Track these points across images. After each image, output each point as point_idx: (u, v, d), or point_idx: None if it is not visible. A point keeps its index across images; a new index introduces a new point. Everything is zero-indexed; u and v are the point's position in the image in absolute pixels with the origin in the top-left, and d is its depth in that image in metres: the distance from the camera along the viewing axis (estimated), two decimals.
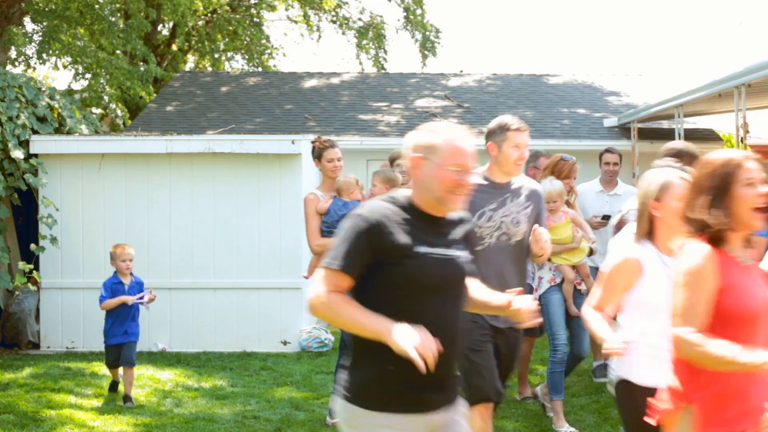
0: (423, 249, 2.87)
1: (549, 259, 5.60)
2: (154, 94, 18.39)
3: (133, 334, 6.66)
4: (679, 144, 5.60)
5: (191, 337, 8.86)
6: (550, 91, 14.71)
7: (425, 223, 2.94)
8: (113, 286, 6.61)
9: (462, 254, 2.98)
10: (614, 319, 3.54)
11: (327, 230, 5.78)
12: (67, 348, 8.85)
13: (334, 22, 21.35)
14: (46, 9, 17.48)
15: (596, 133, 12.46)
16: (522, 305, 3.08)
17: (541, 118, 13.22)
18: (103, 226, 8.91)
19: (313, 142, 6.17)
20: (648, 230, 3.46)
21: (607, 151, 7.68)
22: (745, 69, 7.88)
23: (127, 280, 6.67)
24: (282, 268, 8.87)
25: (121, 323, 6.59)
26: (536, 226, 4.32)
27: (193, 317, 8.88)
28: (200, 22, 21.51)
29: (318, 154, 6.10)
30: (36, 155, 8.79)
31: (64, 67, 19.51)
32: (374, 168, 12.35)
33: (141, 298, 6.65)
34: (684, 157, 5.66)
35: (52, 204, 8.62)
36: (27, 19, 17.97)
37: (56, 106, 9.51)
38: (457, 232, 3.02)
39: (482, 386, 4.32)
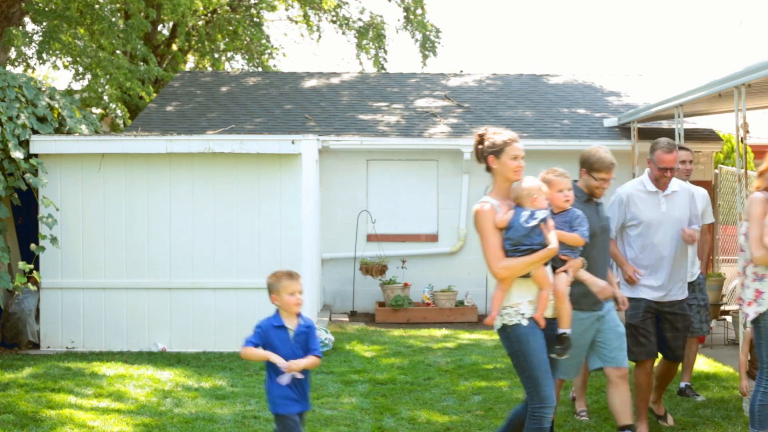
0: None
1: None
2: (154, 94, 18.39)
3: (308, 397, 4.62)
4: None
5: (191, 337, 8.86)
6: (550, 91, 14.71)
7: None
8: (272, 331, 4.57)
9: None
10: None
11: (512, 249, 4.53)
12: (67, 348, 8.86)
13: (334, 22, 21.35)
14: (46, 9, 17.47)
15: (596, 133, 12.46)
16: None
17: (541, 118, 13.22)
18: (103, 226, 8.92)
19: (481, 135, 4.75)
20: None
21: (681, 148, 6.66)
22: (745, 69, 7.87)
23: (293, 323, 4.57)
24: (282, 268, 8.83)
25: (298, 382, 4.52)
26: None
27: (193, 317, 8.88)
28: (200, 22, 21.50)
29: (496, 151, 4.65)
30: (36, 155, 8.80)
31: (65, 67, 19.51)
32: (374, 168, 12.43)
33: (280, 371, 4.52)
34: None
35: (52, 204, 8.62)
36: (27, 19, 17.97)
37: (56, 106, 9.51)
38: None
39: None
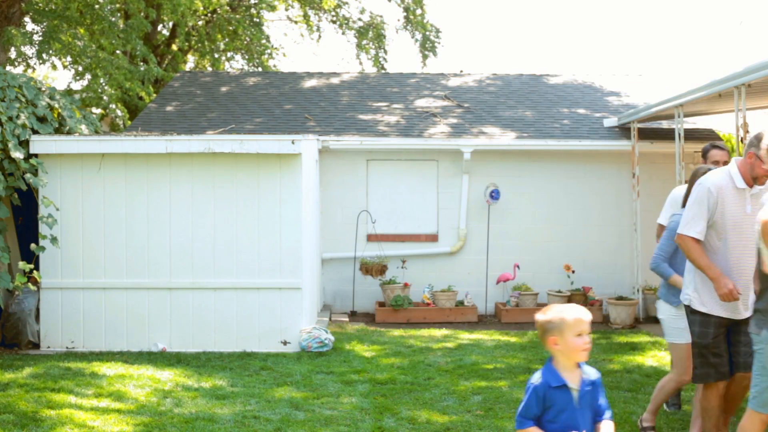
0: None
1: None
2: (154, 94, 18.39)
3: None
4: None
5: (191, 337, 8.87)
6: (550, 91, 14.71)
7: None
8: (551, 394, 3.44)
9: None
10: None
11: None
12: (67, 348, 8.86)
13: (334, 22, 21.38)
14: (46, 9, 17.49)
15: (596, 133, 12.46)
16: None
17: (541, 118, 13.23)
18: (103, 226, 8.92)
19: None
20: None
21: (714, 146, 6.26)
22: (745, 69, 7.88)
23: (574, 378, 3.48)
24: (282, 268, 8.89)
25: None
26: None
27: (193, 317, 8.89)
28: (200, 22, 21.51)
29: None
30: (36, 155, 8.80)
31: (64, 67, 19.52)
32: (374, 168, 12.43)
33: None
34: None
35: (53, 204, 8.62)
36: (27, 19, 17.98)
37: (56, 106, 9.52)
38: None
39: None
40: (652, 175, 12.10)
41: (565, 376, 3.44)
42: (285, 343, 8.86)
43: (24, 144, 8.73)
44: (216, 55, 22.35)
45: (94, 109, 18.41)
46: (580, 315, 3.45)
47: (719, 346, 5.03)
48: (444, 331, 10.43)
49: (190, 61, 23.51)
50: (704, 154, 6.24)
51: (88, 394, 6.81)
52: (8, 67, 16.65)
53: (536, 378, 3.45)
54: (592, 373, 3.52)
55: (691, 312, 5.15)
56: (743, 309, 5.00)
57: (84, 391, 6.89)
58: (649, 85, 15.17)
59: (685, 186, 5.65)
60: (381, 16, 21.07)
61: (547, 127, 12.79)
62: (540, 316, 3.52)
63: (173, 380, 7.33)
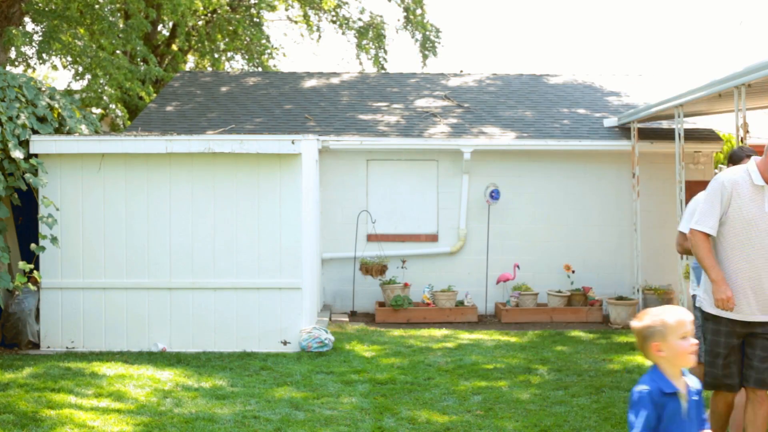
0: None
1: None
2: (154, 94, 18.39)
3: None
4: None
5: (191, 337, 8.87)
6: (550, 91, 14.71)
7: None
8: (660, 400, 3.10)
9: None
10: None
11: None
12: (67, 348, 8.86)
13: (334, 22, 21.37)
14: (46, 9, 17.49)
15: (596, 133, 12.46)
16: None
17: (541, 118, 13.22)
18: (103, 226, 8.92)
19: None
20: None
21: (749, 156, 5.71)
22: (745, 69, 7.88)
23: (681, 384, 3.16)
24: (282, 268, 8.89)
25: None
26: None
27: (193, 317, 8.89)
28: (200, 22, 21.52)
29: None
30: (36, 155, 8.80)
31: (64, 67, 19.51)
32: (374, 168, 12.44)
33: None
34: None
35: (52, 204, 8.62)
36: (27, 19, 17.98)
37: (56, 106, 9.52)
38: None
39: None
40: (652, 175, 12.10)
41: (676, 383, 3.12)
42: (285, 343, 8.86)
43: (24, 144, 8.73)
44: (216, 55, 22.35)
45: (94, 109, 18.41)
46: (681, 316, 3.13)
47: (729, 357, 4.82)
48: (444, 331, 10.43)
49: (190, 61, 23.50)
50: (735, 161, 5.63)
51: (88, 394, 6.80)
52: (8, 67, 16.66)
53: (643, 386, 3.10)
54: (696, 383, 3.18)
55: (703, 317, 4.97)
56: (759, 311, 4.76)
57: (84, 391, 6.88)
58: (649, 85, 15.17)
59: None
60: (381, 16, 21.07)
61: (547, 127, 12.79)
62: (636, 323, 3.22)
63: (173, 380, 7.33)
